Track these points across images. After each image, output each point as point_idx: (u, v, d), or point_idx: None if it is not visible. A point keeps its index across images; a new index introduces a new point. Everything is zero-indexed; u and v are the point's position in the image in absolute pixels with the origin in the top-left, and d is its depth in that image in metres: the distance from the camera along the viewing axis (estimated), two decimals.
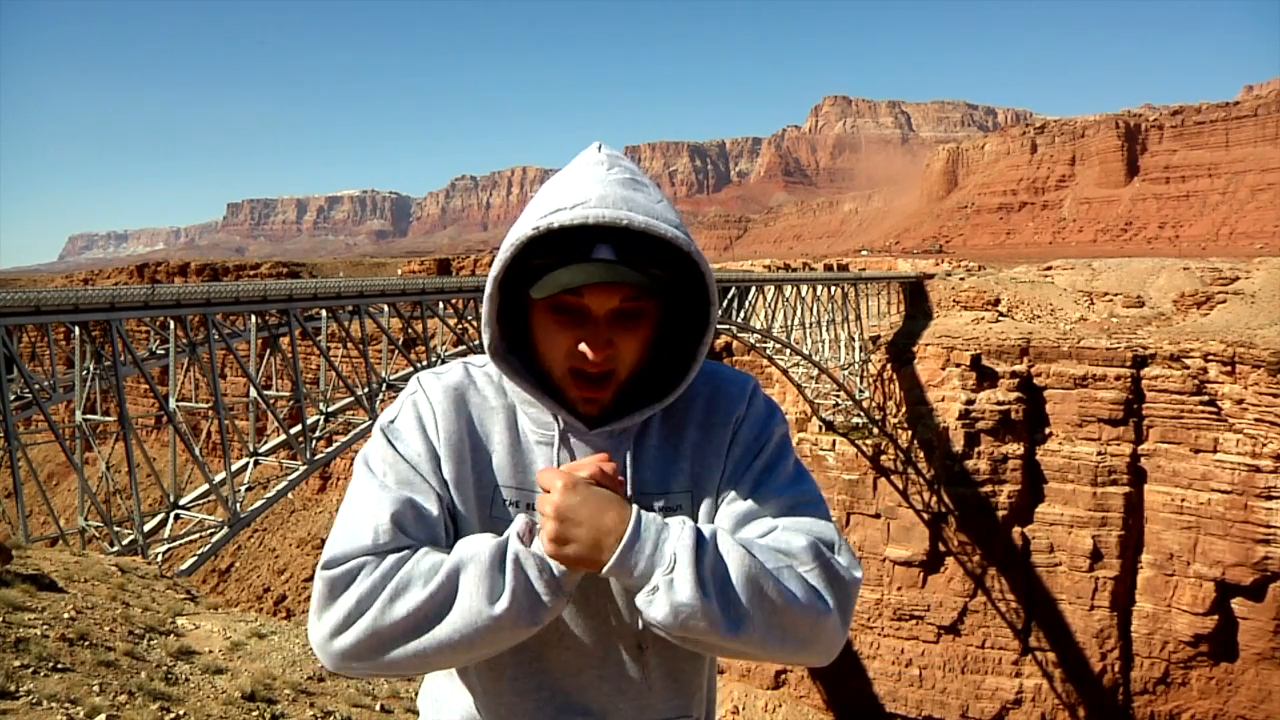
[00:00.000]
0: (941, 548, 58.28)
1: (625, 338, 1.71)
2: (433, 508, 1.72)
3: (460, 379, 1.87)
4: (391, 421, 1.83)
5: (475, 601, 1.56)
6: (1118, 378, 55.76)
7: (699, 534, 1.58)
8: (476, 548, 1.61)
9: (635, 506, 1.61)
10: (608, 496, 1.59)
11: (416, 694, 9.11)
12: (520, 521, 1.64)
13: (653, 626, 1.59)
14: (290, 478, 33.01)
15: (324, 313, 36.62)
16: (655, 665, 1.82)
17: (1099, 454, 55.19)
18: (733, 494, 1.78)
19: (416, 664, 1.60)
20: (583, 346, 1.69)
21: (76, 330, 27.46)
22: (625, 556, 1.55)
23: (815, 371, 60.09)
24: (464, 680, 1.86)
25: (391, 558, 1.62)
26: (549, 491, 1.60)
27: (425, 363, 38.14)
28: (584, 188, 1.68)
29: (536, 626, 1.60)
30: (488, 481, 1.80)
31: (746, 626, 1.54)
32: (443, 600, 1.57)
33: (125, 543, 27.08)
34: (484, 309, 1.74)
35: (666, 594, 1.53)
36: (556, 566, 1.58)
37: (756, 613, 1.55)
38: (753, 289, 57.21)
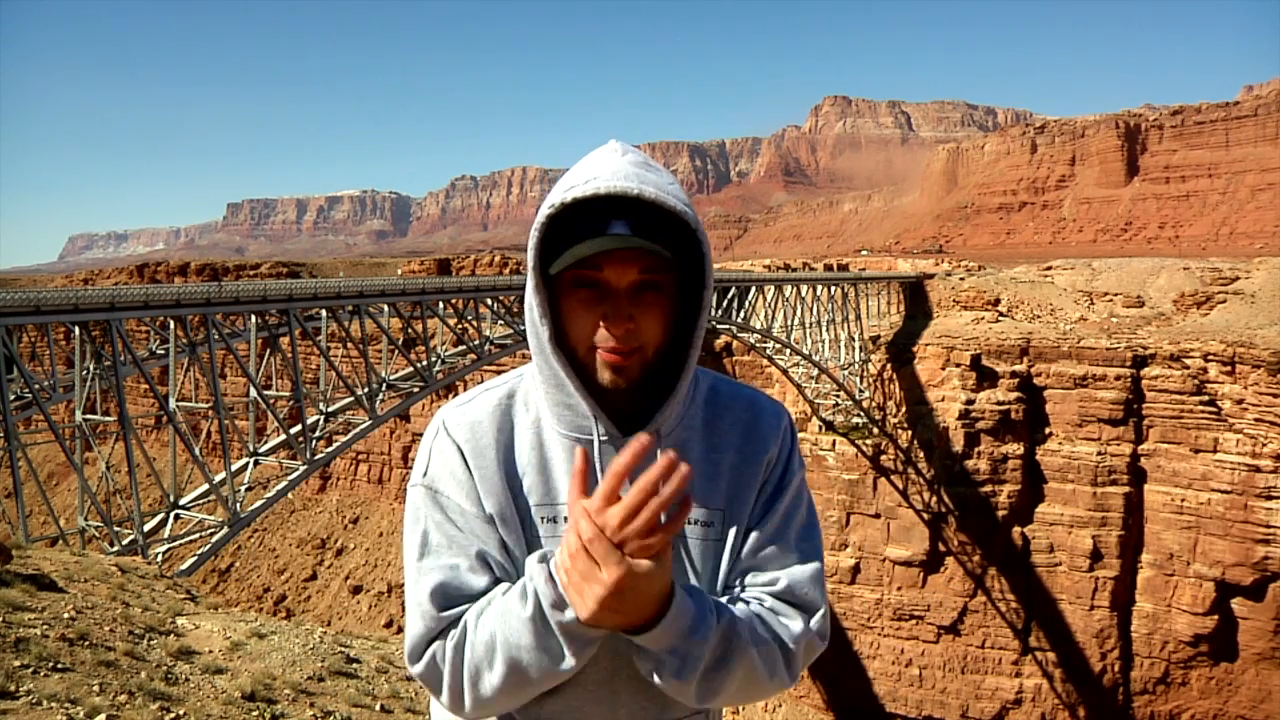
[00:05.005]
0: (941, 548, 58.26)
1: (646, 313, 1.78)
2: (476, 569, 1.84)
3: (484, 410, 1.94)
4: (425, 474, 1.91)
5: (545, 663, 1.71)
6: (1118, 378, 55.76)
7: (720, 620, 1.76)
8: (517, 629, 1.71)
9: (673, 585, 1.70)
10: (653, 577, 1.61)
11: (416, 694, 9.04)
12: (542, 580, 1.69)
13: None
14: (290, 478, 32.99)
15: (324, 313, 36.59)
16: None
17: (1099, 454, 55.18)
18: (757, 534, 1.94)
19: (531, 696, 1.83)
20: (604, 321, 1.77)
21: (76, 330, 27.44)
22: (661, 630, 1.69)
23: (815, 371, 60.06)
24: None
25: (450, 643, 1.77)
26: (598, 568, 1.60)
27: (425, 363, 38.14)
28: (597, 167, 1.77)
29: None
30: (523, 505, 1.88)
31: (715, 700, 1.81)
32: (517, 676, 1.73)
33: (125, 543, 27.07)
34: (533, 302, 1.82)
35: (669, 673, 1.73)
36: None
37: (730, 690, 1.80)
38: (753, 289, 57.18)
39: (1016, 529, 56.77)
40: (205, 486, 30.84)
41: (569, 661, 1.70)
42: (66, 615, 8.69)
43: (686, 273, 1.83)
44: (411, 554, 1.86)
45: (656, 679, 1.75)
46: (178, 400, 31.22)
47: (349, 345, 43.80)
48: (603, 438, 1.86)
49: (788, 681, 1.85)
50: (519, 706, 1.82)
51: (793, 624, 1.84)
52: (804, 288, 60.35)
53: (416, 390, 38.03)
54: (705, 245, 1.80)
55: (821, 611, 1.88)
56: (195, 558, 29.04)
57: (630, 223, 1.72)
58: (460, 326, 42.22)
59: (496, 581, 1.84)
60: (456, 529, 1.85)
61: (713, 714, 2.06)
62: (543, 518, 1.87)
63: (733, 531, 1.92)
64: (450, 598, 1.80)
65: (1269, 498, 50.10)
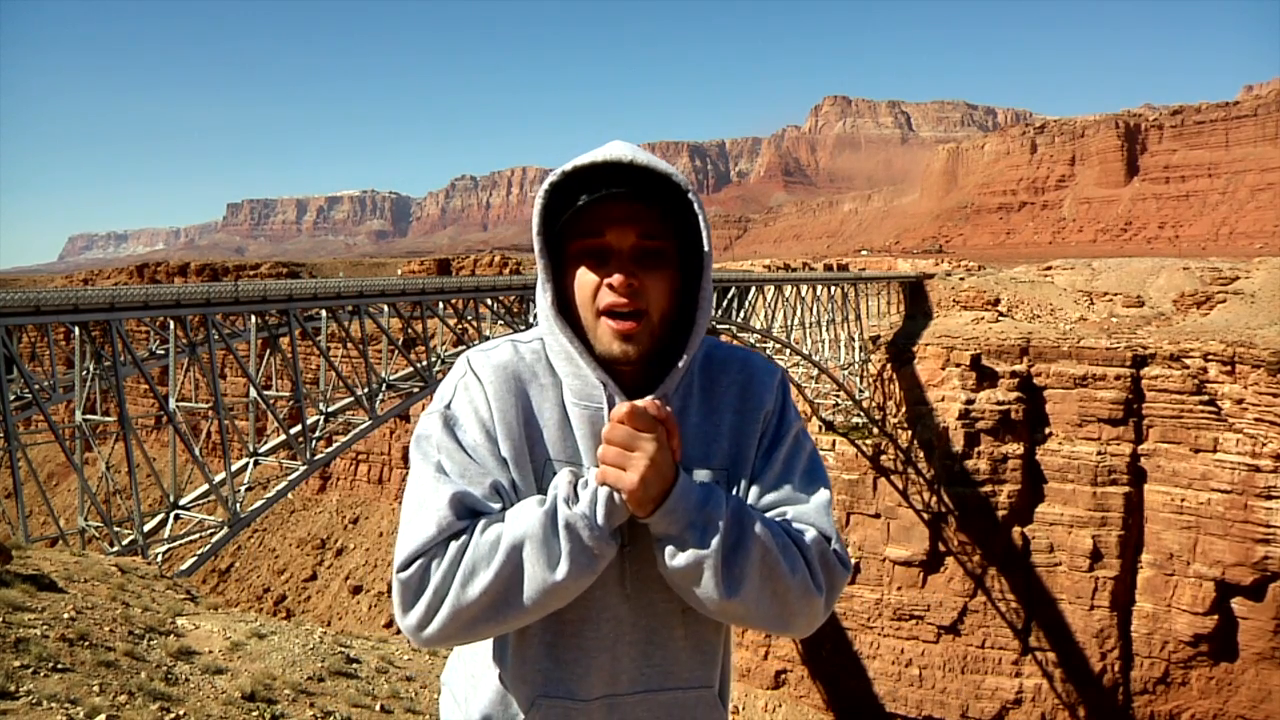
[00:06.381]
0: (941, 548, 58.27)
1: (650, 278, 1.86)
2: (490, 497, 1.85)
3: (510, 357, 1.99)
4: (448, 406, 1.95)
5: (539, 572, 1.72)
6: (1118, 377, 55.76)
7: (729, 499, 1.81)
8: (528, 521, 1.75)
9: (679, 468, 1.79)
10: (664, 444, 1.74)
11: (416, 694, 9.03)
12: (564, 481, 1.79)
13: (664, 573, 1.82)
14: (290, 478, 32.99)
15: (324, 313, 36.59)
16: (682, 636, 1.97)
17: (1099, 454, 55.18)
18: (760, 483, 1.98)
19: (498, 630, 1.82)
20: (608, 281, 1.84)
21: (76, 330, 27.43)
22: (673, 502, 1.74)
23: (815, 371, 60.07)
24: (497, 657, 1.98)
25: (453, 545, 1.77)
26: (619, 421, 1.73)
27: (425, 363, 38.15)
28: (598, 150, 1.90)
29: (595, 576, 1.78)
30: (540, 455, 1.92)
31: (742, 591, 1.77)
32: (509, 577, 1.73)
33: (125, 543, 27.06)
34: (538, 267, 1.91)
35: (692, 547, 1.75)
36: (602, 516, 1.73)
37: (754, 579, 1.77)
38: (753, 289, 57.19)
39: (1016, 529, 56.77)
40: (205, 487, 30.83)
41: (563, 569, 1.72)
42: (66, 615, 8.69)
43: (686, 247, 1.93)
44: (425, 474, 1.87)
45: (681, 561, 1.76)
46: (178, 400, 31.23)
47: (349, 345, 43.79)
48: (609, 405, 1.91)
49: (812, 588, 1.83)
50: (492, 625, 1.78)
51: (806, 533, 1.88)
52: (804, 288, 60.37)
53: (416, 390, 38.03)
54: (698, 206, 1.89)
55: (834, 536, 1.92)
56: (195, 558, 29.04)
57: (628, 190, 1.83)
58: (460, 326, 42.25)
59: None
60: (471, 460, 1.88)
61: (720, 690, 2.08)
62: (557, 473, 1.91)
63: (738, 488, 1.98)
64: (469, 509, 1.82)
65: (1269, 497, 50.11)
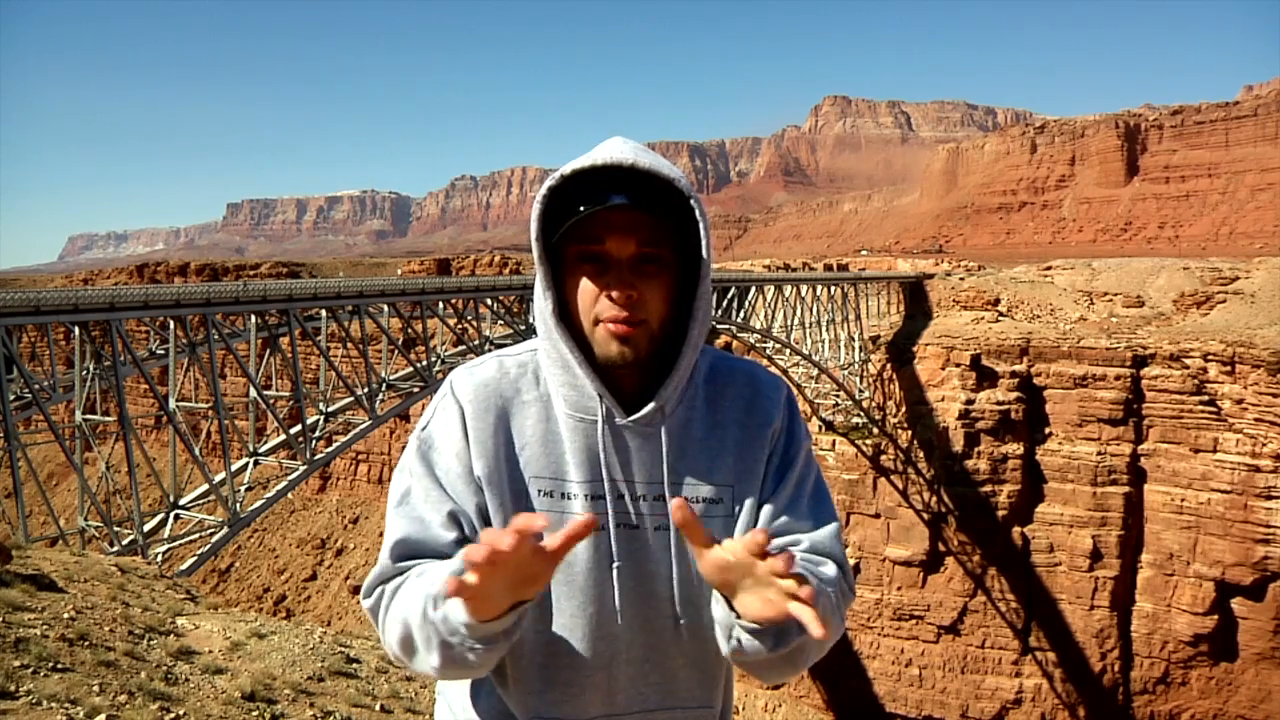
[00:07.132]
0: (941, 548, 58.25)
1: (649, 286, 1.83)
2: (446, 526, 1.83)
3: (493, 374, 1.96)
4: (424, 429, 1.95)
5: (424, 654, 1.69)
6: (1117, 378, 55.75)
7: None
8: (412, 602, 1.70)
9: None
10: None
11: (416, 694, 9.02)
12: (440, 577, 1.64)
13: (734, 657, 1.77)
14: (290, 478, 32.98)
15: (324, 313, 36.60)
16: (679, 654, 1.94)
17: (1099, 454, 55.17)
18: (772, 504, 1.95)
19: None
20: (608, 292, 1.81)
21: (76, 330, 27.43)
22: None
23: (815, 371, 60.07)
24: (495, 674, 1.94)
25: (389, 590, 1.79)
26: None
27: (425, 363, 38.14)
28: (597, 149, 1.86)
29: (483, 671, 1.74)
30: (518, 476, 1.89)
31: (804, 656, 1.76)
32: (406, 645, 1.72)
33: (125, 543, 27.06)
34: (536, 275, 1.88)
35: (789, 633, 1.68)
36: (468, 627, 1.58)
37: (807, 642, 1.72)
38: (752, 289, 57.17)
39: (1016, 529, 56.76)
40: (205, 486, 30.83)
41: (434, 662, 1.66)
42: (66, 615, 8.69)
43: (686, 251, 1.90)
44: (392, 500, 1.90)
45: (788, 649, 1.70)
46: (178, 400, 31.22)
47: (349, 345, 43.78)
48: (606, 418, 1.89)
49: (839, 626, 1.84)
50: (425, 673, 1.77)
51: (826, 569, 1.85)
52: (804, 288, 60.38)
53: (416, 390, 38.03)
54: (700, 212, 1.85)
55: (845, 563, 1.91)
56: (195, 558, 29.04)
57: (629, 196, 1.79)
58: (460, 326, 42.24)
59: (463, 540, 1.83)
60: (436, 485, 1.87)
61: (722, 711, 2.09)
62: (540, 490, 1.88)
63: (745, 505, 1.94)
64: (410, 548, 1.82)
65: (1269, 498, 50.09)
